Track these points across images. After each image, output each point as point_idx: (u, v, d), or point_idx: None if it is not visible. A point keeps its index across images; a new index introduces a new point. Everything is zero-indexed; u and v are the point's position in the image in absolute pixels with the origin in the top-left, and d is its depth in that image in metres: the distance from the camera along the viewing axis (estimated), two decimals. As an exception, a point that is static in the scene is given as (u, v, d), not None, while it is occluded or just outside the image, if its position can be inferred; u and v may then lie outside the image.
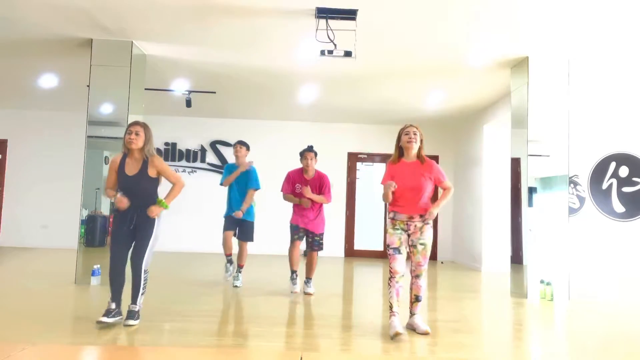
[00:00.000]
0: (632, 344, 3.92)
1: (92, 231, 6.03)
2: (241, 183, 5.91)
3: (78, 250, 5.79)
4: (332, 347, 3.51)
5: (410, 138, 3.99)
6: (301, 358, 3.14)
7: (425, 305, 5.17)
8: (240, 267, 5.96)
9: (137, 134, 3.83)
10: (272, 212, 7.35)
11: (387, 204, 4.06)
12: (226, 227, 5.90)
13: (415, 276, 3.99)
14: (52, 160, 9.85)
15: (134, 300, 3.84)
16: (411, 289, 4.03)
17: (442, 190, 4.09)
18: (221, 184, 6.06)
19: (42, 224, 9.72)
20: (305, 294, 5.48)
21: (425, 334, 3.87)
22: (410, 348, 3.57)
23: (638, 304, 5.81)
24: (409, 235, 3.97)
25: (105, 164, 5.95)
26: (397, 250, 3.92)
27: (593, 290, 6.57)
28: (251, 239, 5.94)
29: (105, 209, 6.01)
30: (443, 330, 4.11)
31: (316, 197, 5.45)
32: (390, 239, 3.97)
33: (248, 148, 6.06)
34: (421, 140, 4.03)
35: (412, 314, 4.06)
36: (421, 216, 3.96)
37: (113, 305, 3.83)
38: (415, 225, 3.95)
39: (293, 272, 5.61)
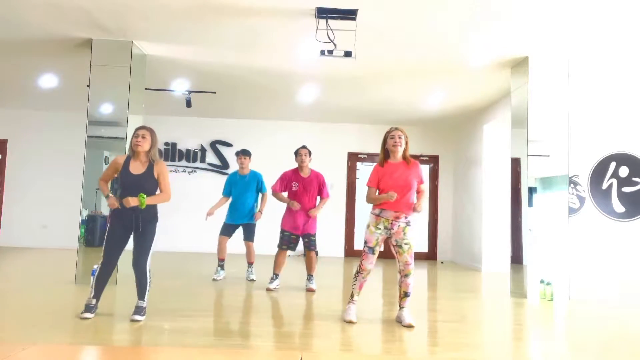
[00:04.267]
0: (632, 344, 3.92)
1: (92, 231, 6.05)
2: (242, 190, 6.20)
3: (78, 250, 5.79)
4: (332, 347, 3.51)
5: (396, 142, 4.16)
6: (301, 358, 3.14)
7: (425, 305, 5.19)
8: (250, 264, 6.30)
9: (143, 137, 4.02)
10: (272, 213, 7.33)
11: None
12: (223, 232, 6.25)
13: (405, 275, 4.10)
14: (52, 160, 9.85)
15: (141, 296, 4.00)
16: (400, 286, 4.15)
17: (418, 192, 4.21)
18: (224, 195, 6.30)
19: (42, 224, 9.72)
20: (308, 290, 5.64)
21: (409, 326, 3.98)
22: (410, 348, 3.57)
23: (638, 304, 5.81)
24: (391, 236, 4.10)
25: (106, 163, 5.95)
26: (372, 250, 4.12)
27: (593, 290, 6.57)
28: (253, 239, 6.24)
29: (105, 209, 6.01)
30: (443, 330, 4.12)
31: (320, 209, 5.67)
32: (369, 237, 4.13)
33: (251, 156, 6.33)
34: (406, 142, 4.19)
35: (400, 307, 4.17)
36: (406, 217, 4.09)
37: (94, 302, 4.04)
38: (399, 226, 4.09)
39: (275, 274, 5.73)
